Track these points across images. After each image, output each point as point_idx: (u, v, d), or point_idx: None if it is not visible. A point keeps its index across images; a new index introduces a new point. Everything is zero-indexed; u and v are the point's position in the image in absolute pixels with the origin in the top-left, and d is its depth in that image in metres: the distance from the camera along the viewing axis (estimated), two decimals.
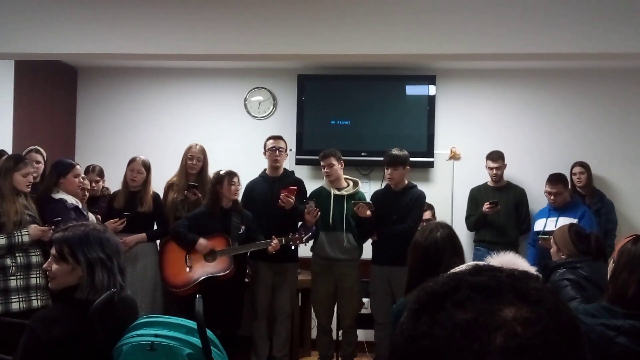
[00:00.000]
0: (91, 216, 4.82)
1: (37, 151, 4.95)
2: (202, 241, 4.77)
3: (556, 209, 5.46)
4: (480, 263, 1.63)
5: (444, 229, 2.87)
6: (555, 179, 5.49)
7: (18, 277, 4.10)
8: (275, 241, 4.70)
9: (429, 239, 2.80)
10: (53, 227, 3.93)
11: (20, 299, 4.08)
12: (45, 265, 2.43)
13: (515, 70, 6.15)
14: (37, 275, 4.13)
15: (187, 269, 4.80)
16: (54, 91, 6.39)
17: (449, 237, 2.84)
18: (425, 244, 2.80)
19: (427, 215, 5.46)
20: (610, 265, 2.45)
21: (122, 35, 4.71)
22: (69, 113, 6.66)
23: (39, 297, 4.13)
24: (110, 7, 4.70)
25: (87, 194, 5.01)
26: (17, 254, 4.13)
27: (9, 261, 4.09)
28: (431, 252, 2.76)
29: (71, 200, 4.52)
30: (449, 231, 2.87)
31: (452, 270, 0.90)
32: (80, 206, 4.58)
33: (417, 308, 0.75)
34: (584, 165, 5.78)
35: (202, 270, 4.78)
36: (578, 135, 6.12)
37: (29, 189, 4.30)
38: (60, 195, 4.51)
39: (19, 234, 4.11)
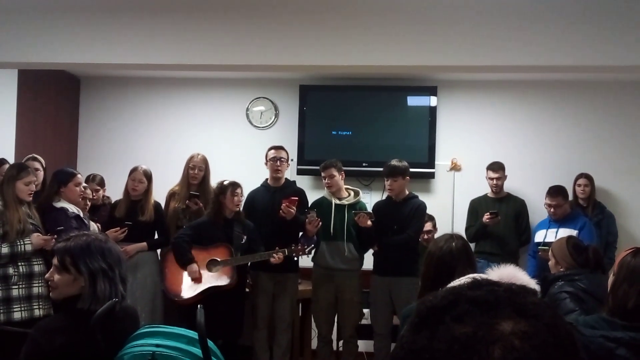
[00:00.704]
0: (93, 225, 4.83)
1: (35, 159, 4.95)
2: (194, 267, 4.78)
3: (556, 221, 5.47)
4: (479, 277, 1.64)
5: (458, 240, 2.89)
6: (555, 192, 5.50)
7: (20, 286, 4.10)
8: (279, 254, 4.71)
9: (444, 249, 2.82)
10: (55, 236, 3.94)
11: (22, 309, 4.08)
12: (47, 275, 2.43)
13: (516, 82, 6.18)
14: (40, 284, 4.13)
15: (190, 279, 4.80)
16: (56, 100, 6.42)
17: (464, 248, 2.86)
18: (440, 254, 2.82)
19: (428, 226, 5.47)
20: (611, 278, 2.46)
21: (124, 45, 4.74)
22: (72, 122, 6.69)
23: (41, 307, 4.13)
24: (113, 17, 4.73)
25: (88, 203, 5.03)
26: (19, 263, 4.13)
27: (11, 270, 4.10)
28: (446, 261, 2.78)
29: (72, 209, 4.54)
30: (463, 242, 2.90)
31: (450, 284, 0.91)
32: (81, 215, 4.59)
33: (417, 322, 0.76)
34: (588, 177, 5.80)
35: (205, 279, 4.78)
36: (579, 147, 6.14)
37: (31, 198, 4.32)
38: (61, 204, 4.52)
39: (22, 242, 4.12)
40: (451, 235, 2.97)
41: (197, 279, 4.77)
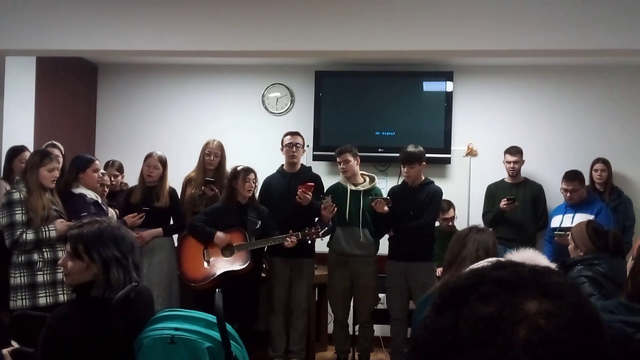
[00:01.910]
0: (111, 211, 4.87)
1: (54, 146, 4.99)
2: (219, 234, 4.80)
3: (572, 206, 5.43)
4: (502, 259, 1.64)
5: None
6: (572, 176, 5.46)
7: (45, 272, 4.15)
8: (292, 237, 4.73)
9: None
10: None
11: (47, 294, 4.13)
12: (60, 261, 2.45)
13: (533, 66, 6.12)
14: None
15: (206, 264, 4.84)
16: (74, 87, 6.46)
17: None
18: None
19: (450, 214, 5.47)
20: (630, 263, 2.45)
21: (141, 32, 4.75)
22: (89, 109, 6.73)
23: (65, 292, 4.17)
24: (130, 5, 4.74)
25: (107, 189, 5.06)
26: (44, 249, 4.18)
27: (36, 256, 4.15)
28: None
29: (91, 195, 4.57)
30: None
31: (473, 266, 0.91)
32: (99, 201, 4.63)
33: (440, 303, 0.76)
34: (605, 162, 5.74)
35: (220, 264, 4.81)
36: (596, 131, 6.09)
37: (54, 185, 4.35)
38: (79, 190, 4.55)
39: (46, 229, 4.16)
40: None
41: (227, 241, 4.79)
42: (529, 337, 0.68)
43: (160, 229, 5.06)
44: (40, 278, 4.13)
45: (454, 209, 5.58)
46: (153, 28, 4.73)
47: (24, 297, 4.09)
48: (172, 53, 5.12)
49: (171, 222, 5.20)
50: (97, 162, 4.75)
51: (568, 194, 5.44)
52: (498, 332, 0.69)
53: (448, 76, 6.18)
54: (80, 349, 2.22)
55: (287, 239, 4.74)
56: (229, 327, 2.35)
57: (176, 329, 2.34)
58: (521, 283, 0.73)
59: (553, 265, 2.16)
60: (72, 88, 6.40)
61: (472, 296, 0.73)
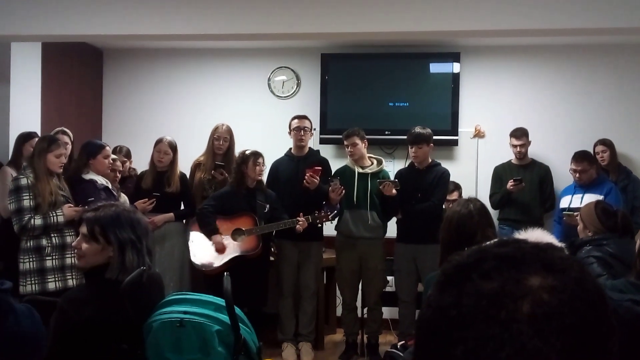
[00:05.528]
0: (123, 196, 4.89)
1: (64, 132, 5.00)
2: (218, 238, 4.80)
3: (582, 186, 5.41)
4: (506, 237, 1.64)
5: (476, 201, 2.90)
6: (581, 157, 5.43)
7: (53, 257, 4.19)
8: (301, 220, 4.74)
9: (462, 212, 2.81)
10: (87, 207, 3.99)
11: (56, 279, 4.17)
12: (74, 243, 2.47)
13: (540, 46, 6.07)
14: (72, 255, 4.19)
15: (215, 249, 4.85)
16: (80, 73, 6.45)
17: (483, 208, 2.87)
18: (458, 217, 2.81)
19: (454, 196, 5.45)
20: (638, 242, 2.44)
21: (147, 16, 4.73)
22: (96, 94, 6.73)
23: (74, 277, 4.21)
24: None
25: (118, 175, 5.07)
26: (52, 235, 4.21)
27: (44, 241, 4.18)
28: (466, 223, 2.77)
29: (101, 180, 4.59)
30: (481, 204, 2.90)
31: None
32: (110, 187, 4.65)
33: (443, 280, 0.76)
34: (606, 143, 5.69)
35: (231, 249, 4.83)
36: (603, 111, 6.04)
37: (61, 170, 4.37)
38: (90, 175, 4.58)
39: (54, 214, 4.19)
40: (469, 198, 2.99)
41: (221, 250, 4.81)
42: (532, 312, 0.68)
43: (171, 214, 5.09)
44: (49, 263, 4.17)
45: (460, 192, 5.56)
46: (158, 12, 4.71)
47: (33, 282, 4.12)
48: (177, 37, 5.10)
49: (182, 207, 5.22)
50: (107, 148, 4.77)
51: (577, 175, 5.41)
52: (501, 307, 0.69)
53: (455, 57, 6.14)
54: (91, 331, 2.24)
55: (298, 222, 4.75)
56: (237, 310, 2.36)
57: (185, 312, 2.35)
58: (524, 259, 0.73)
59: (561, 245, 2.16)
60: (77, 73, 6.40)
61: (475, 273, 0.72)
